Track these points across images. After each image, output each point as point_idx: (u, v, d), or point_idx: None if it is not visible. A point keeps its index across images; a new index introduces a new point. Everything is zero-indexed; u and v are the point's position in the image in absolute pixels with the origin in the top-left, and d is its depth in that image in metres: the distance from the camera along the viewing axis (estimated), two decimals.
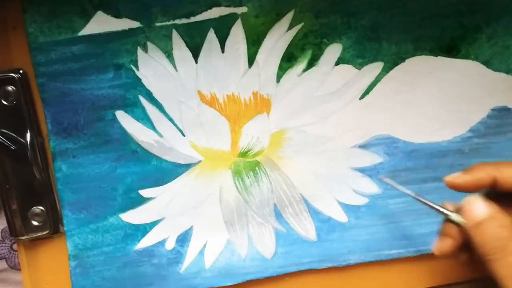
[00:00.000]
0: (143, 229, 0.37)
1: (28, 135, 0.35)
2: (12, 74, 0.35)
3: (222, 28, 0.35)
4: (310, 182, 0.37)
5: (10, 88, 0.35)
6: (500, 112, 0.36)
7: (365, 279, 0.38)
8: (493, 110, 0.36)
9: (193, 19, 0.34)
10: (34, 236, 0.36)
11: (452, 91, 0.36)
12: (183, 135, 0.36)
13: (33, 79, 0.35)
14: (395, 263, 0.37)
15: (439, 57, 0.36)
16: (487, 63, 0.36)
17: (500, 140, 0.37)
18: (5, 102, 0.35)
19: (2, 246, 0.38)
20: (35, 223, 0.36)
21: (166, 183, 0.37)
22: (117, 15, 0.34)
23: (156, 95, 0.36)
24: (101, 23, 0.34)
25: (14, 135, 0.35)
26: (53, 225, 0.36)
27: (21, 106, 0.35)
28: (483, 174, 0.29)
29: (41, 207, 0.36)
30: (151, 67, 0.35)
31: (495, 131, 0.37)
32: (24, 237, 0.36)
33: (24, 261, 0.37)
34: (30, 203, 0.36)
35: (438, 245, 0.29)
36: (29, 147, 0.35)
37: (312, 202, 0.37)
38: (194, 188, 0.37)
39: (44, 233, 0.36)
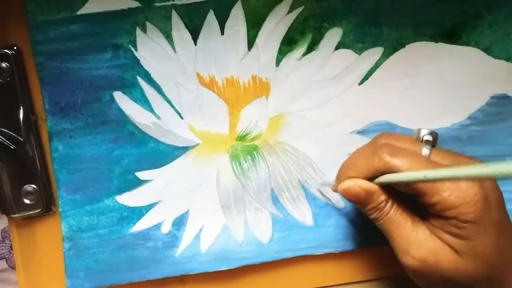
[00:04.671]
0: (139, 212, 0.36)
1: (21, 112, 0.35)
2: (7, 51, 0.34)
3: (222, 10, 0.35)
4: (308, 167, 0.37)
5: (4, 64, 0.34)
6: (500, 100, 0.36)
7: (361, 265, 0.37)
8: (492, 97, 0.36)
9: (192, 0, 0.34)
10: (25, 214, 0.35)
11: (451, 78, 0.36)
12: (181, 117, 0.36)
13: (28, 56, 0.35)
14: (392, 250, 0.37)
15: (440, 44, 0.36)
16: (487, 50, 0.36)
17: (498, 127, 0.36)
18: None
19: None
20: (27, 201, 0.35)
21: (163, 165, 0.36)
22: None
23: (154, 76, 0.35)
24: (100, 2, 0.34)
25: (6, 112, 0.34)
26: (46, 204, 0.36)
27: (14, 83, 0.34)
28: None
29: (33, 186, 0.35)
30: (149, 48, 0.35)
31: (494, 119, 0.36)
32: (15, 215, 0.35)
33: (16, 240, 0.36)
34: (23, 181, 0.35)
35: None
36: (22, 124, 0.35)
37: (309, 188, 0.37)
38: (191, 171, 0.36)
39: (36, 211, 0.35)
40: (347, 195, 0.30)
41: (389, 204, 0.29)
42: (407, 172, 0.27)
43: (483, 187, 0.27)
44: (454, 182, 0.27)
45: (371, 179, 0.30)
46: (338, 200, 0.37)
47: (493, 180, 0.28)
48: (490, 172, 0.20)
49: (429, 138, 0.29)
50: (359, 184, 0.30)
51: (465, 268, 0.27)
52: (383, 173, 0.29)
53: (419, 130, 0.30)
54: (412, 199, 0.29)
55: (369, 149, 0.30)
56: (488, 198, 0.27)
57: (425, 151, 0.28)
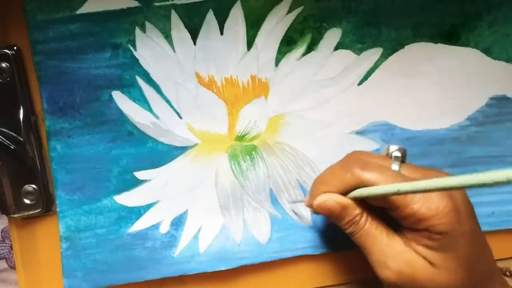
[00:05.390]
0: (137, 212, 0.36)
1: (21, 112, 0.35)
2: (7, 51, 0.34)
3: (222, 10, 0.35)
4: (307, 167, 0.37)
5: (4, 64, 0.34)
6: (499, 101, 0.36)
7: (360, 265, 0.37)
8: (491, 98, 0.36)
9: (192, 0, 0.34)
10: (26, 214, 0.35)
11: (451, 79, 0.36)
12: (180, 117, 0.36)
13: (28, 56, 0.35)
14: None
15: (439, 44, 0.36)
16: (487, 51, 0.36)
17: (498, 128, 0.36)
18: None
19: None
20: (27, 201, 0.35)
21: (161, 165, 0.36)
22: None
23: (153, 76, 0.35)
24: (99, 2, 0.34)
25: (6, 112, 0.34)
26: (46, 204, 0.35)
27: (14, 83, 0.34)
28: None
29: (33, 186, 0.35)
30: (149, 48, 0.35)
31: (493, 120, 0.36)
32: (15, 215, 0.35)
33: (16, 240, 0.36)
34: (23, 181, 0.35)
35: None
36: (22, 124, 0.34)
37: (308, 188, 0.37)
38: (190, 171, 0.36)
39: (37, 211, 0.35)
40: (322, 210, 0.30)
41: (364, 218, 0.30)
42: (381, 185, 0.27)
43: (453, 199, 0.27)
44: (424, 195, 0.27)
45: (344, 194, 0.30)
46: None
47: (463, 192, 0.29)
48: (462, 183, 0.21)
49: (398, 154, 0.29)
50: (333, 198, 0.30)
51: (440, 279, 0.27)
52: (356, 187, 0.29)
53: (388, 147, 0.31)
54: (386, 212, 0.30)
55: (341, 165, 0.30)
56: (459, 209, 0.27)
57: (395, 166, 0.29)
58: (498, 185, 0.19)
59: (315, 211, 0.31)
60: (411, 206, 0.27)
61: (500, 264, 0.37)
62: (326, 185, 0.30)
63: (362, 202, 0.30)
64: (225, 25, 0.35)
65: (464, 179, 0.20)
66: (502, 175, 0.18)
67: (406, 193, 0.25)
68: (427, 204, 0.27)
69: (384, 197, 0.28)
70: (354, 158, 0.30)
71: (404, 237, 0.29)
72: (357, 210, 0.30)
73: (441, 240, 0.27)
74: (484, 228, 0.36)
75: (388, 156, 0.30)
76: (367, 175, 0.28)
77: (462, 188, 0.22)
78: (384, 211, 0.29)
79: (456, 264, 0.27)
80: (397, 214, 0.28)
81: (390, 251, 0.29)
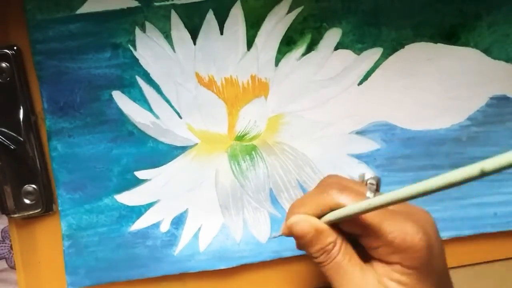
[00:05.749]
0: (138, 211, 0.37)
1: (21, 112, 0.35)
2: (7, 51, 0.34)
3: (221, 10, 0.34)
4: (307, 167, 0.37)
5: (4, 64, 0.34)
6: (499, 101, 0.36)
7: None
8: (491, 98, 0.36)
9: (192, 0, 0.34)
10: (26, 214, 0.36)
11: (451, 79, 0.36)
12: (180, 117, 0.36)
13: (28, 56, 0.35)
14: None
15: (439, 44, 0.36)
16: (486, 51, 0.36)
17: (498, 129, 0.36)
18: None
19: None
20: (27, 201, 0.35)
21: (162, 165, 0.36)
22: None
23: (153, 76, 0.35)
24: (99, 2, 0.34)
25: (6, 112, 0.34)
26: (46, 204, 0.36)
27: (14, 83, 0.34)
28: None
29: (33, 186, 0.35)
30: (149, 48, 0.35)
31: (494, 120, 0.36)
32: (16, 215, 0.35)
33: (16, 240, 0.37)
34: (23, 181, 0.35)
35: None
36: (22, 124, 0.35)
37: (308, 188, 0.37)
38: (190, 171, 0.37)
39: (37, 211, 0.36)
40: (294, 231, 0.28)
41: (337, 247, 0.27)
42: (353, 204, 0.26)
43: (427, 234, 0.26)
44: (399, 226, 0.26)
45: (319, 217, 0.28)
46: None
47: (436, 229, 0.27)
48: (434, 186, 0.20)
49: (373, 182, 0.28)
50: (308, 220, 0.28)
51: None
52: (331, 210, 0.27)
53: (363, 174, 0.30)
54: (357, 244, 0.28)
55: (319, 188, 0.29)
56: (432, 246, 0.26)
57: (369, 194, 0.28)
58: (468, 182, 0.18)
59: (285, 232, 0.29)
60: (385, 235, 0.26)
61: (503, 266, 0.37)
62: (301, 207, 0.28)
63: (336, 229, 0.28)
64: (225, 25, 0.35)
65: (435, 181, 0.20)
66: (476, 169, 0.18)
67: (378, 207, 0.24)
68: (402, 235, 0.25)
69: (358, 221, 0.26)
70: (332, 181, 0.29)
71: (375, 272, 0.27)
72: (331, 238, 0.27)
73: (412, 275, 0.26)
74: (486, 229, 0.37)
75: (364, 183, 0.29)
76: (343, 198, 0.27)
77: (436, 191, 0.21)
78: (356, 242, 0.28)
79: None
80: (370, 243, 0.27)
81: (363, 287, 0.26)
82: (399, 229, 0.26)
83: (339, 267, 0.27)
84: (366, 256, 0.28)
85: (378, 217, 0.26)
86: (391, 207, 0.26)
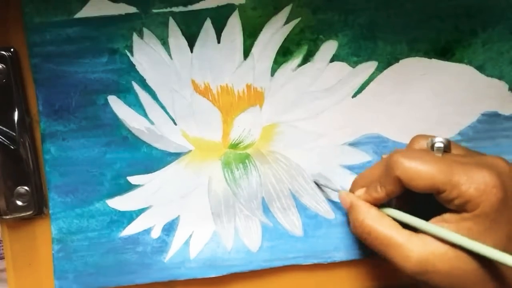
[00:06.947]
0: (129, 216, 0.36)
1: (16, 114, 0.35)
2: (3, 52, 0.34)
3: (219, 19, 0.35)
4: (299, 177, 0.37)
5: (0, 65, 0.34)
6: (490, 117, 0.37)
7: (350, 276, 0.38)
8: (483, 115, 0.37)
9: (190, 7, 0.35)
10: (17, 216, 0.35)
11: (444, 94, 0.36)
12: (175, 123, 0.36)
13: (24, 58, 0.35)
14: (381, 262, 0.37)
15: (433, 60, 0.36)
16: (480, 68, 0.36)
17: (487, 145, 0.37)
18: None
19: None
20: (19, 203, 0.35)
21: (155, 171, 0.36)
22: None
23: (149, 82, 0.36)
24: (97, 7, 0.34)
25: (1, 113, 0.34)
26: (37, 206, 0.36)
27: (10, 85, 0.34)
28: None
29: (26, 187, 0.35)
30: (146, 54, 0.35)
31: (484, 136, 0.37)
32: (7, 217, 0.35)
33: (7, 242, 0.36)
34: (15, 183, 0.35)
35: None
36: (16, 126, 0.35)
37: (300, 198, 0.37)
38: (183, 177, 0.37)
39: (28, 213, 0.35)
40: (342, 203, 0.34)
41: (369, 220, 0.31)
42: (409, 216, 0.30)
43: (501, 181, 0.27)
44: (471, 176, 0.27)
45: (384, 204, 0.32)
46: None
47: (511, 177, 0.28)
48: None
49: (441, 144, 0.31)
50: (343, 196, 0.34)
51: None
52: (397, 178, 0.29)
53: (431, 139, 0.31)
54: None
55: (384, 159, 0.32)
56: (507, 192, 0.27)
57: (437, 154, 0.30)
58: None
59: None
60: (458, 187, 0.27)
61: None
62: (361, 180, 0.34)
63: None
64: (222, 34, 0.35)
65: None
66: None
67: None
68: (475, 184, 0.27)
69: (431, 183, 0.28)
70: (395, 151, 0.31)
71: (446, 222, 0.28)
72: (361, 215, 0.32)
73: (485, 223, 0.27)
74: None
75: (431, 148, 0.31)
76: (411, 160, 0.29)
77: None
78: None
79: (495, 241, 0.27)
80: (444, 197, 0.28)
81: (408, 244, 0.29)
82: (471, 178, 0.27)
83: (385, 237, 0.30)
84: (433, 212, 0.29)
85: (448, 171, 0.28)
86: (463, 158, 0.29)
